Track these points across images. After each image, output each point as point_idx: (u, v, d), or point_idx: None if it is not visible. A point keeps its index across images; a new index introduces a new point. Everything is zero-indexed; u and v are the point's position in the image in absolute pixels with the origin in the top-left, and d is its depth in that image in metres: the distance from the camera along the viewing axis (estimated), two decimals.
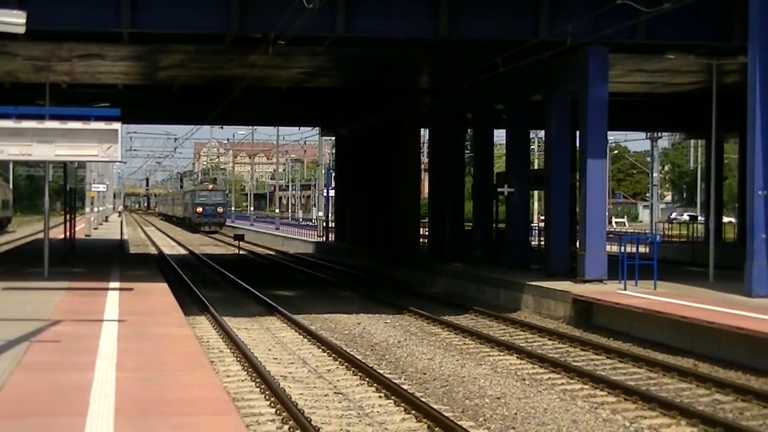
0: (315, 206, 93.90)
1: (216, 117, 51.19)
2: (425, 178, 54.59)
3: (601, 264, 26.51)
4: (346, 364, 18.16)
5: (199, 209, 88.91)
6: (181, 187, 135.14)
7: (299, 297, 31.33)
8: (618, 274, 25.24)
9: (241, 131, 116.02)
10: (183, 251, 58.97)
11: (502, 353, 19.94)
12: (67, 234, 39.30)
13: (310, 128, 76.08)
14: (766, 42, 23.00)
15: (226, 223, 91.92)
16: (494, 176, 35.83)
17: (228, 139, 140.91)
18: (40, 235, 35.68)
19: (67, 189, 39.07)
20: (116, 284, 24.96)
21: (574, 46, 26.08)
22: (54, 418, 10.06)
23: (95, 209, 78.97)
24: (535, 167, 62.42)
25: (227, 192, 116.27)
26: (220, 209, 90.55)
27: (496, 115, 35.06)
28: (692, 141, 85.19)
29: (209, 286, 34.06)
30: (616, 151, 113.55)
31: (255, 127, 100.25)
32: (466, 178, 40.75)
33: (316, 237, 62.80)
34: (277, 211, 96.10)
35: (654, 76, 34.33)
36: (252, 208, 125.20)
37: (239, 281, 34.45)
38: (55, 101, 30.86)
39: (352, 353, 19.21)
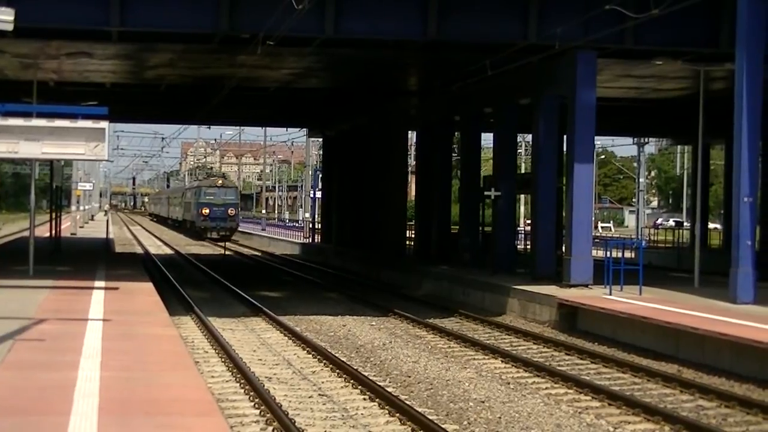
0: (302, 207, 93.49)
1: (204, 117, 51.19)
2: (412, 180, 54.62)
3: (587, 269, 26.55)
4: (330, 366, 18.15)
5: (206, 210, 71.85)
6: (168, 186, 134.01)
7: (285, 298, 31.30)
8: (604, 279, 25.27)
9: (228, 131, 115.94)
10: (169, 251, 58.87)
11: (486, 357, 19.96)
12: (53, 232, 39.24)
13: (298, 129, 75.93)
14: (754, 49, 23.07)
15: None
16: (481, 179, 35.87)
17: (215, 139, 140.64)
18: (26, 233, 35.57)
19: (53, 187, 39.01)
20: (101, 283, 24.89)
21: (563, 50, 26.12)
22: (37, 417, 10.02)
23: (81, 208, 78.89)
24: (522, 171, 62.47)
25: (241, 190, 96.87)
26: (231, 211, 72.74)
27: (483, 118, 35.12)
28: (679, 147, 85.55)
29: (195, 286, 33.99)
30: (603, 156, 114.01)
31: (242, 127, 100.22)
32: (453, 181, 40.75)
33: (302, 238, 62.77)
34: (263, 211, 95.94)
35: (642, 81, 34.41)
36: None
37: (225, 282, 34.40)
38: (42, 99, 30.77)
39: (337, 355, 19.20)
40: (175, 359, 13.79)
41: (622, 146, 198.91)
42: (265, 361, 18.92)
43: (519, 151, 68.95)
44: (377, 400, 14.97)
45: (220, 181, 75.94)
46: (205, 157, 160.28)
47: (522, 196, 51.87)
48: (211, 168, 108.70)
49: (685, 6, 22.43)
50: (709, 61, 27.58)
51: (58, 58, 29.43)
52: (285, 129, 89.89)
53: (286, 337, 22.24)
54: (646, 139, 68.44)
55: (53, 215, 40.48)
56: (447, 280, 32.09)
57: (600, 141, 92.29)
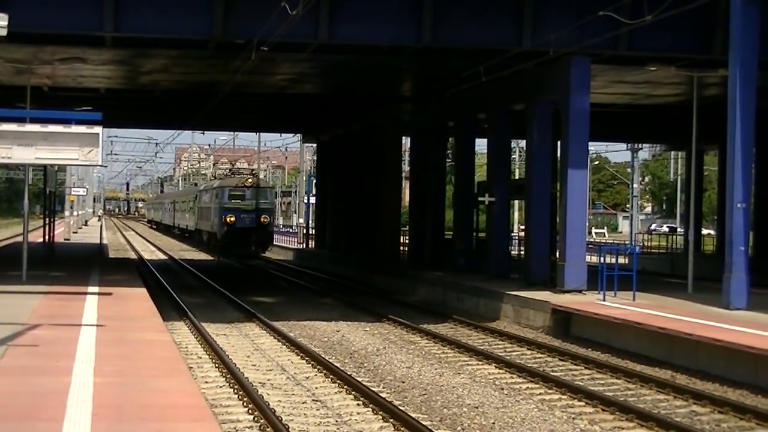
0: (296, 213, 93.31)
1: (198, 122, 51.18)
2: (406, 185, 54.64)
3: (581, 274, 26.57)
4: (324, 371, 18.13)
5: (231, 218, 55.31)
6: (162, 191, 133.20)
7: (278, 303, 31.27)
8: (597, 285, 25.28)
9: (222, 137, 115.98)
10: (162, 256, 58.76)
11: (480, 362, 19.95)
12: (46, 237, 39.19)
13: (292, 135, 75.82)
14: (747, 55, 23.12)
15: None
16: (475, 185, 35.90)
17: (209, 145, 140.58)
18: (19, 239, 35.53)
19: (46, 192, 38.96)
20: (95, 289, 24.86)
21: (557, 56, 26.15)
22: (30, 423, 10.00)
23: (75, 213, 78.74)
24: (516, 177, 62.56)
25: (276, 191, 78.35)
26: (265, 218, 56.17)
27: (477, 123, 35.15)
28: (672, 152, 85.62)
29: (188, 291, 33.95)
30: (596, 162, 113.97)
31: (236, 132, 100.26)
32: (447, 187, 40.81)
33: (296, 244, 62.69)
34: None
35: (635, 87, 34.46)
36: None
37: (219, 287, 34.36)
38: (36, 104, 30.72)
39: (330, 361, 19.19)
40: (168, 365, 13.77)
41: (616, 152, 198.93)
42: (258, 366, 18.90)
43: (513, 156, 69.03)
44: (371, 405, 14.97)
45: (251, 180, 58.39)
46: (199, 162, 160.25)
47: (516, 202, 51.76)
48: (233, 164, 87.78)
49: (679, 12, 22.47)
50: (702, 68, 27.64)
51: (51, 63, 29.42)
52: (279, 134, 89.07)
53: (280, 343, 22.22)
54: (640, 145, 68.59)
55: (47, 220, 40.43)
56: (441, 286, 32.09)
57: (594, 147, 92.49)
